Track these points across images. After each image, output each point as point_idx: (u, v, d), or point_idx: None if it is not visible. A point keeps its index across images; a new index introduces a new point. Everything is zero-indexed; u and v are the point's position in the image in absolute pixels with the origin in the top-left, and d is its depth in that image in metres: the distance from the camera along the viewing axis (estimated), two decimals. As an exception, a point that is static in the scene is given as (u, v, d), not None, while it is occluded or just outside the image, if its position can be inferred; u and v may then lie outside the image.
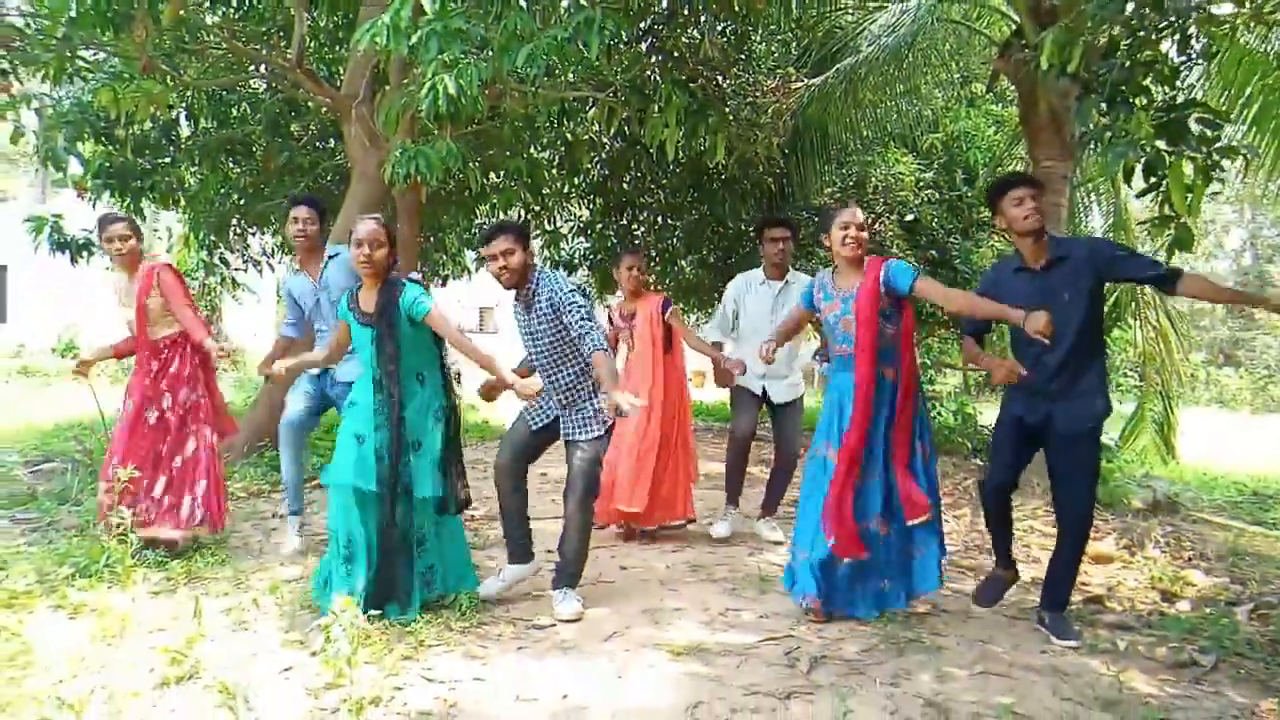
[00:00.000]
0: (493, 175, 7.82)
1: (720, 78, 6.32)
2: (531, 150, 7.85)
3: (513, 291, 3.61)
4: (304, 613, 3.44)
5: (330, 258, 4.35)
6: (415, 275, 3.57)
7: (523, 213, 8.93)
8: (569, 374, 3.59)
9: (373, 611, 3.19)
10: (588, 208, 10.36)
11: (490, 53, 4.36)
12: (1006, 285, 3.40)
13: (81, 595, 3.46)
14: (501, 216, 8.49)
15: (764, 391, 4.91)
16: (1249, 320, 28.31)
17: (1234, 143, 3.88)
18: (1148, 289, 8.13)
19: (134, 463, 4.03)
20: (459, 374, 3.70)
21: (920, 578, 3.64)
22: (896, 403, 3.51)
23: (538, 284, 3.54)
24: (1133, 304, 8.37)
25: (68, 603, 3.40)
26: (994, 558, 3.76)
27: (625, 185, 9.57)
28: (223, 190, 8.05)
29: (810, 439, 3.83)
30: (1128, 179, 3.75)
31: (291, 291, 4.45)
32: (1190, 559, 4.87)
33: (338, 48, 7.78)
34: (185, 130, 7.87)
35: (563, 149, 8.39)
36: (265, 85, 7.95)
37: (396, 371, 3.36)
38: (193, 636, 2.96)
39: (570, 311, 3.47)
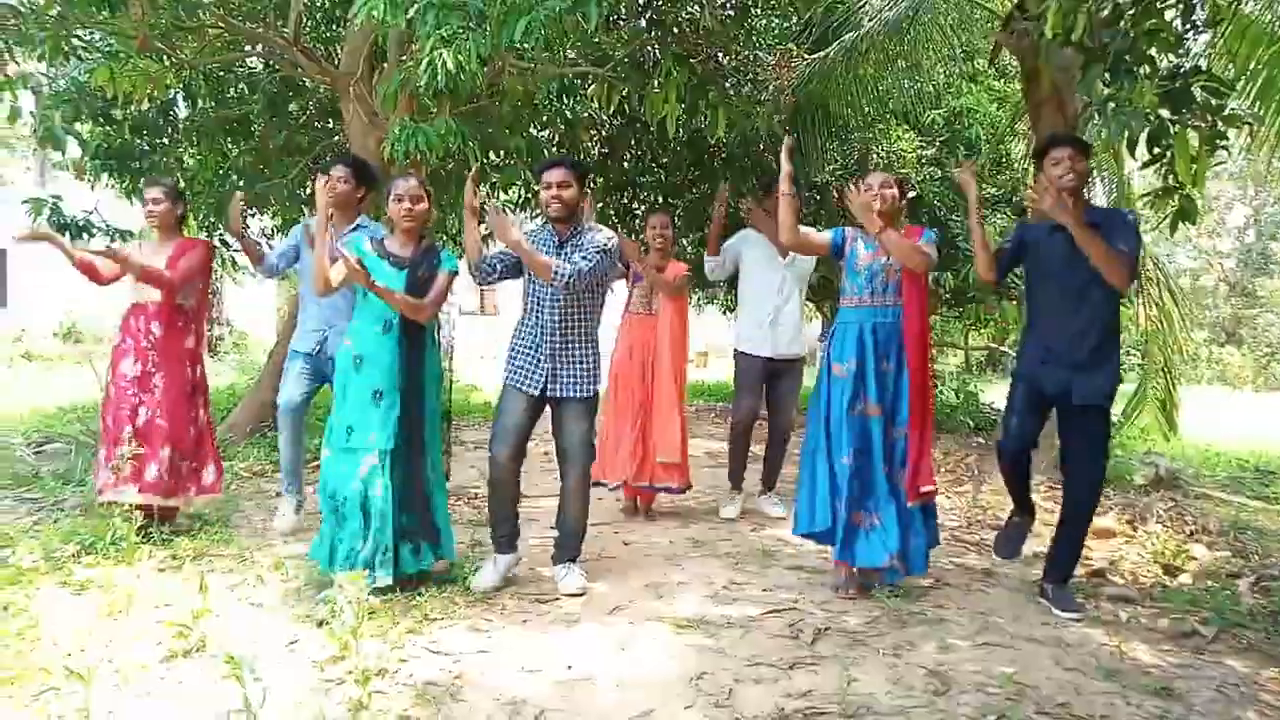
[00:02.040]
0: (493, 154, 7.76)
1: (720, 54, 6.27)
2: (532, 129, 7.79)
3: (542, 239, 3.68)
4: (309, 588, 3.45)
5: (360, 227, 4.22)
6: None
7: (523, 192, 8.89)
8: (574, 317, 3.60)
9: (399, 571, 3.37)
10: (588, 186, 10.30)
11: (488, 27, 4.32)
12: (1040, 243, 3.45)
13: (87, 572, 3.48)
14: (502, 196, 8.46)
15: (769, 356, 4.83)
16: (1252, 298, 28.22)
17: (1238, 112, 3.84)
18: (1150, 265, 8.11)
19: (178, 430, 4.09)
20: (452, 347, 3.73)
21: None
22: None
23: (584, 226, 3.68)
24: (1135, 281, 8.33)
25: (73, 579, 3.41)
26: (1004, 518, 3.81)
27: (625, 164, 9.51)
28: (221, 171, 7.98)
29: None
30: (1131, 150, 3.73)
31: (299, 235, 4.40)
32: (1192, 533, 4.88)
33: (335, 25, 7.70)
34: (183, 110, 7.81)
35: (563, 127, 8.33)
36: (263, 64, 7.89)
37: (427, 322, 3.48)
38: (198, 611, 2.96)
39: (603, 255, 3.52)
